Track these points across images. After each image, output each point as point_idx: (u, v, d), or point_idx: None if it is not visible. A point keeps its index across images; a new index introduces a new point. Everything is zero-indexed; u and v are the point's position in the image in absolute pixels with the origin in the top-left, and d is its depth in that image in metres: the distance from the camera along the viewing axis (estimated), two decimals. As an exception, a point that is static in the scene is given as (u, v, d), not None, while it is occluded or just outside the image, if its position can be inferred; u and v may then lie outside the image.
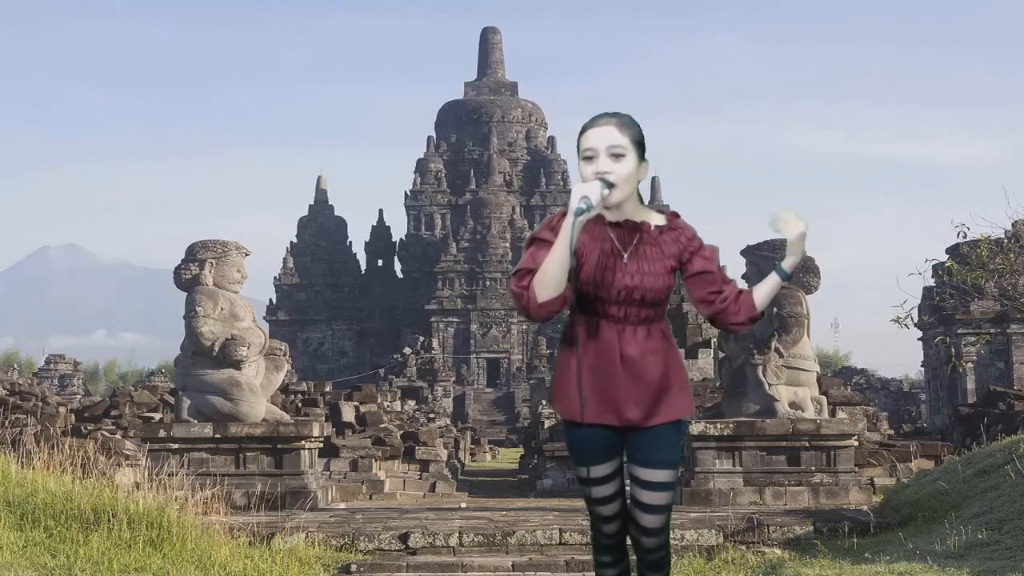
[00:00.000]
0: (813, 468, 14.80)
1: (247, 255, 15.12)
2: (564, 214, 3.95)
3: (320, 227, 79.77)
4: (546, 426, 26.31)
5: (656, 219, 4.10)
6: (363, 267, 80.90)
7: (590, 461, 4.10)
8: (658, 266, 4.04)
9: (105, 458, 13.44)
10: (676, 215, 4.15)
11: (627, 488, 4.22)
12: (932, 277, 23.81)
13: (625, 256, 4.02)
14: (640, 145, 4.03)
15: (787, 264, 4.10)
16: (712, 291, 4.09)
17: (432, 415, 43.57)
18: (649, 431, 4.06)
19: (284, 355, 15.54)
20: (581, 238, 3.98)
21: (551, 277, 3.87)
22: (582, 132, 4.02)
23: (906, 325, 15.11)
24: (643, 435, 4.07)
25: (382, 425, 23.60)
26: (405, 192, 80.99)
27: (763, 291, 4.12)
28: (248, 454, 14.56)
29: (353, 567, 9.92)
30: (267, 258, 76.31)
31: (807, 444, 14.83)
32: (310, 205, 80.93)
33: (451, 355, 72.34)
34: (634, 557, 4.37)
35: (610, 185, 3.95)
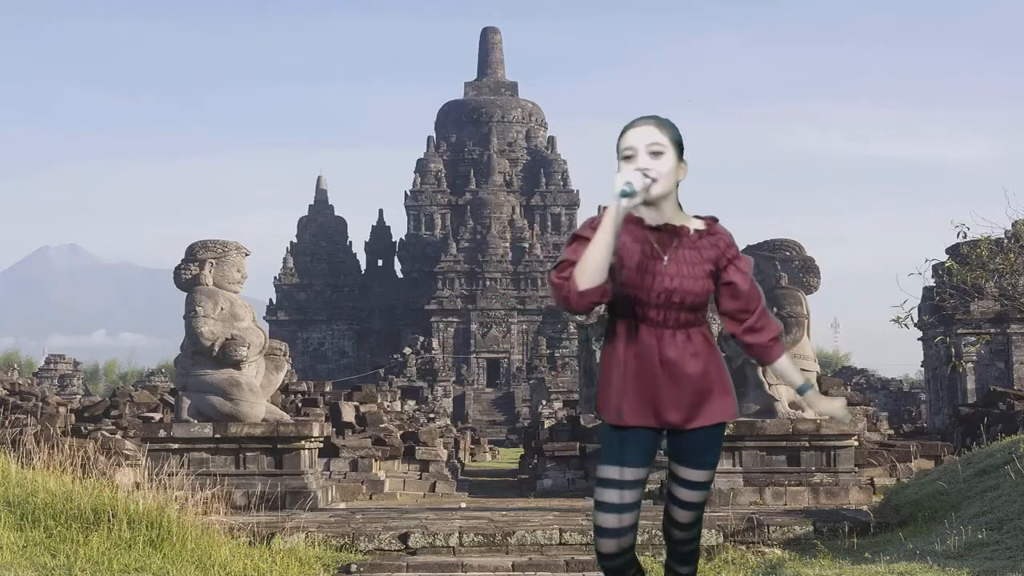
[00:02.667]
0: (813, 468, 14.79)
1: (247, 255, 15.12)
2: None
3: (320, 227, 79.77)
4: (546, 426, 26.32)
5: (695, 224, 4.12)
6: (363, 267, 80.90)
7: (628, 462, 4.08)
8: (697, 270, 4.04)
9: (105, 458, 13.45)
10: (715, 220, 4.17)
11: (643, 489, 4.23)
12: (932, 277, 23.84)
13: (665, 259, 4.02)
14: (679, 145, 4.06)
15: (813, 399, 4.30)
16: (742, 310, 4.12)
17: (432, 415, 43.56)
18: (691, 434, 4.08)
19: (284, 355, 15.54)
20: (622, 239, 3.97)
21: (594, 263, 3.84)
22: (621, 134, 4.04)
23: (906, 325, 15.11)
24: (684, 437, 4.09)
25: (382, 425, 23.60)
26: (405, 192, 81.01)
27: (782, 369, 4.23)
28: (248, 454, 14.55)
29: (353, 567, 9.92)
30: (267, 258, 76.39)
31: (807, 444, 14.82)
32: (310, 205, 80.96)
33: (451, 355, 72.34)
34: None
35: (652, 180, 3.97)
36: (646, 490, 4.29)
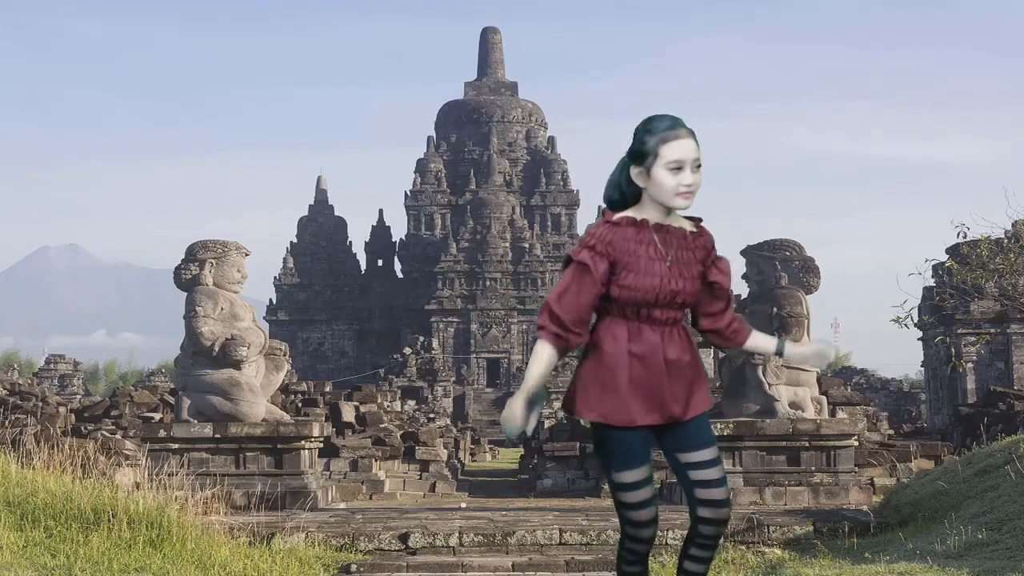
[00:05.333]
0: (813, 468, 14.79)
1: (247, 255, 15.13)
2: (608, 222, 4.18)
3: (320, 227, 79.77)
4: (546, 426, 26.31)
5: (688, 225, 4.29)
6: (363, 267, 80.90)
7: (635, 463, 4.22)
8: (693, 270, 4.24)
9: (105, 458, 13.44)
10: (700, 220, 4.34)
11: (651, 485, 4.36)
12: (932, 277, 23.84)
13: (668, 260, 4.18)
14: None
15: (790, 350, 4.48)
16: (719, 308, 4.35)
17: (432, 415, 43.58)
18: (688, 423, 4.26)
19: (284, 355, 15.54)
20: (626, 246, 4.15)
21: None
22: (663, 141, 4.11)
23: (906, 325, 15.10)
24: (683, 427, 4.26)
25: (382, 425, 23.61)
26: (405, 192, 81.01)
27: (755, 343, 4.46)
28: (248, 454, 14.56)
29: (353, 567, 9.92)
30: (267, 258, 76.40)
31: (807, 444, 14.82)
32: (310, 205, 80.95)
33: (451, 355, 72.32)
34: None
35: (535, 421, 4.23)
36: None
